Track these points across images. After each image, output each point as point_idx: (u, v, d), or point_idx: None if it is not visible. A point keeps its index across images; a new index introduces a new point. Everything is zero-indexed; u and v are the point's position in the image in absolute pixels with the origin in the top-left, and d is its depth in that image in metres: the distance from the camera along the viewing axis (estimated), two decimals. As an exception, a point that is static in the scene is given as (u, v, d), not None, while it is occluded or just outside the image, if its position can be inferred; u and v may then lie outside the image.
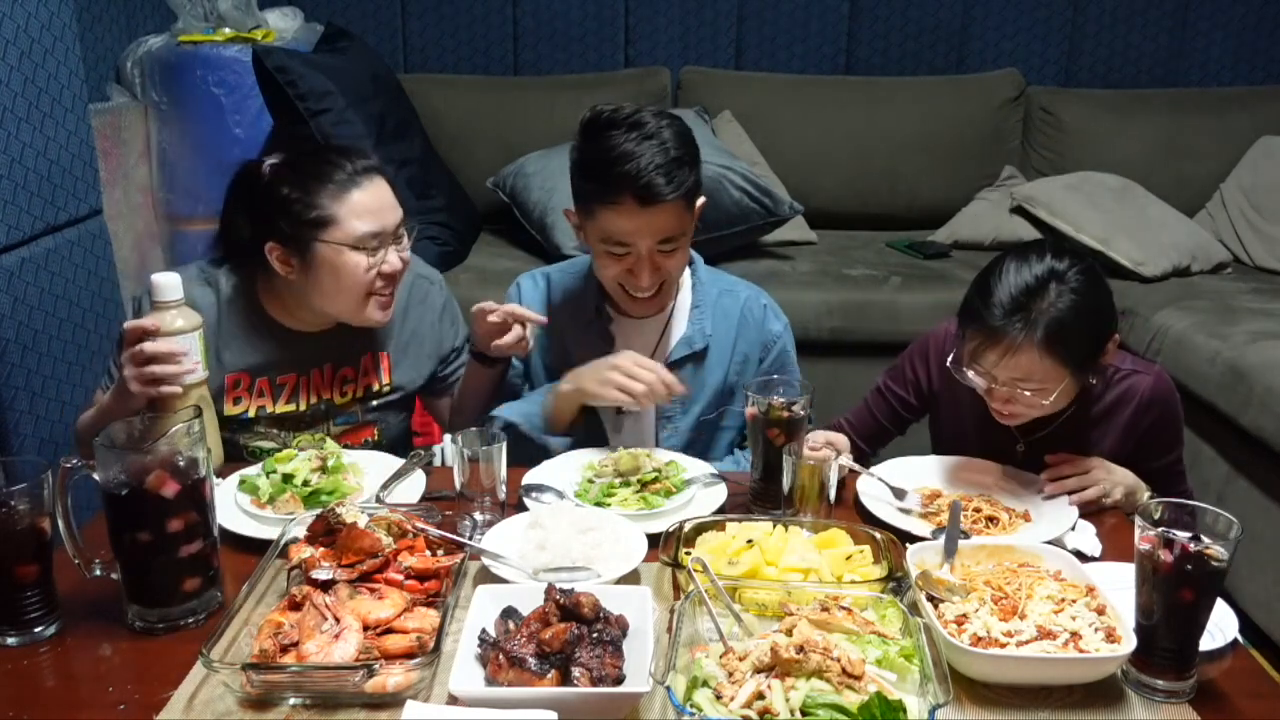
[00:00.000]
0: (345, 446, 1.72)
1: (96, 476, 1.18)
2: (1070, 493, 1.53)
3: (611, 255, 1.66)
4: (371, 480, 1.57)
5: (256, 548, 1.35)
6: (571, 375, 1.66)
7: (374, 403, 1.80)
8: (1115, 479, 1.54)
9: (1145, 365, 1.65)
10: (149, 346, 1.47)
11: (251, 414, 1.72)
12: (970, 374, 1.51)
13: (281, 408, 1.74)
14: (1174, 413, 1.65)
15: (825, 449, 1.51)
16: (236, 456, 1.70)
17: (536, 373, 1.84)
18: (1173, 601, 1.09)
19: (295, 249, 1.63)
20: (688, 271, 1.83)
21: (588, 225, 1.67)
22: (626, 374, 1.58)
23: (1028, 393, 1.47)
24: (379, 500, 1.51)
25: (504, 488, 1.45)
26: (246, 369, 1.71)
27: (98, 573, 1.23)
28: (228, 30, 3.21)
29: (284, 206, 1.61)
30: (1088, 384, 1.54)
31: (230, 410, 1.70)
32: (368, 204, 1.62)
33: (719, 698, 1.01)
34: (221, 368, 1.67)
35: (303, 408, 1.75)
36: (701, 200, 1.70)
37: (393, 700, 1.07)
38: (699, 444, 1.80)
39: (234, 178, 1.70)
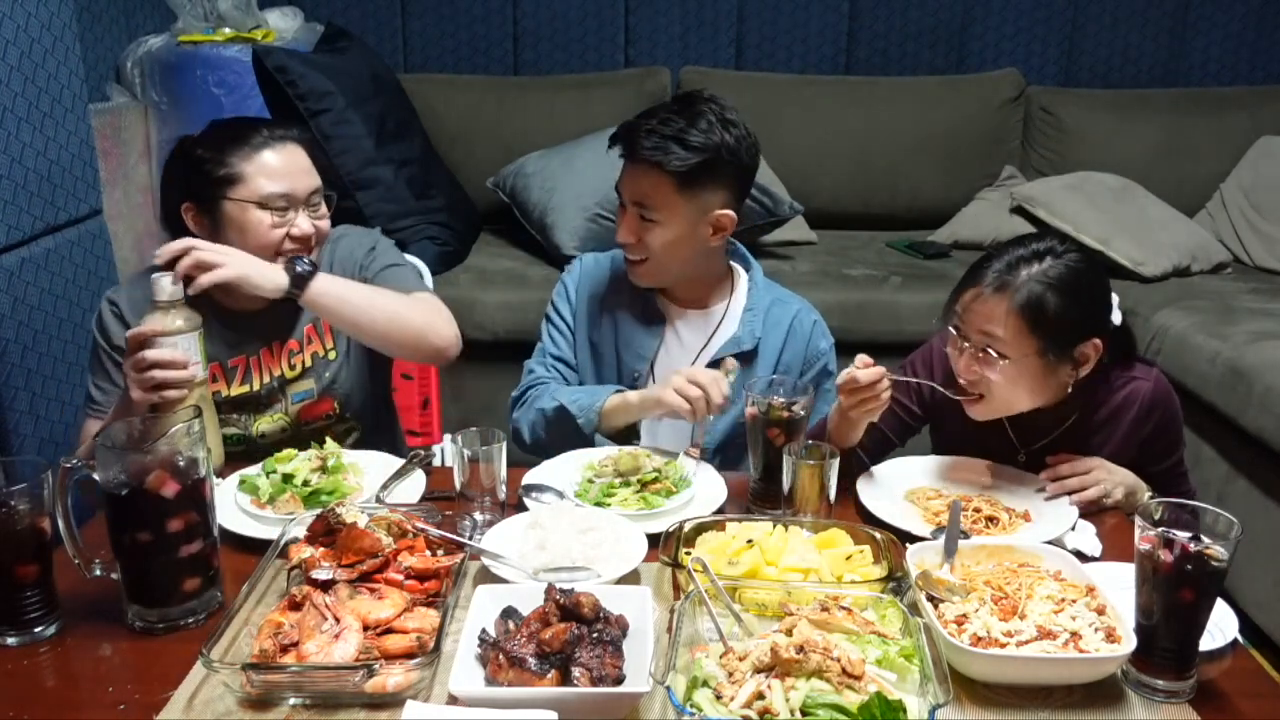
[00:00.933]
0: (307, 422, 1.75)
1: (96, 476, 1.18)
2: (1071, 493, 1.53)
3: (621, 206, 1.74)
4: (371, 480, 1.57)
5: (256, 548, 1.35)
6: (646, 389, 1.70)
7: (326, 373, 1.80)
8: (1116, 479, 1.54)
9: (1143, 370, 1.64)
10: (150, 354, 1.47)
11: None
12: (950, 329, 1.54)
13: (237, 389, 1.75)
14: (1174, 415, 1.65)
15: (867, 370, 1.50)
16: None
17: (582, 346, 1.86)
18: (1173, 601, 1.09)
19: (206, 209, 1.65)
20: (745, 275, 1.88)
21: None
22: (686, 380, 1.59)
23: (993, 352, 1.48)
24: (379, 500, 1.51)
25: (504, 488, 1.45)
26: None
27: (98, 573, 1.23)
28: (228, 30, 3.21)
29: (197, 166, 1.64)
30: (1062, 383, 1.53)
31: None
32: (276, 166, 1.65)
33: (719, 698, 1.01)
34: None
35: (257, 387, 1.76)
36: (724, 212, 1.73)
37: (393, 700, 1.07)
38: (735, 446, 1.81)
39: (168, 156, 1.72)
